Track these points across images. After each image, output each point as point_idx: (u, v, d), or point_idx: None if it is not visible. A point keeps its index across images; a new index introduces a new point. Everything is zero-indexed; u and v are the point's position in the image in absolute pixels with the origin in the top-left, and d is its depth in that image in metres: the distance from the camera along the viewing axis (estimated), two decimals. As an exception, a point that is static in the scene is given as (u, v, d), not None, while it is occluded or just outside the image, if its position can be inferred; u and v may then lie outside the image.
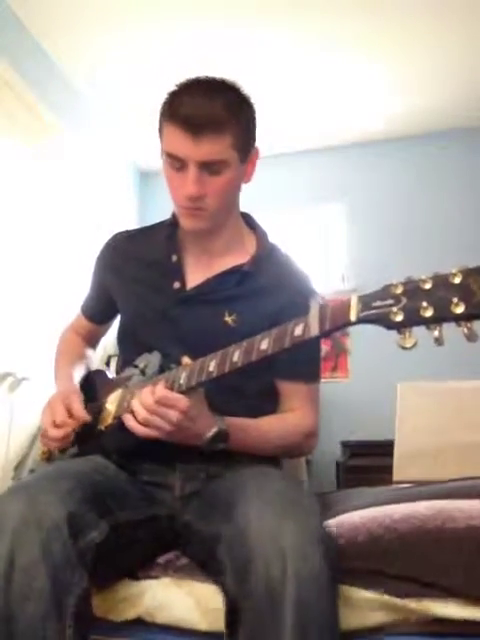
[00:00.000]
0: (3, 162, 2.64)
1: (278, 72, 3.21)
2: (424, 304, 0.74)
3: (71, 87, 3.25)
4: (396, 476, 2.12)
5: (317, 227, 3.93)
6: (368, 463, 2.98)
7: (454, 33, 2.96)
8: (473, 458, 2.05)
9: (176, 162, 1.10)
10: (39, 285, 2.79)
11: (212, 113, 1.07)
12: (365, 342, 3.48)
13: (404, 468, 2.14)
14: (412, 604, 0.93)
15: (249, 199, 2.86)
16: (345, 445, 3.33)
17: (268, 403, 1.22)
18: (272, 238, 1.30)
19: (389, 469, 2.15)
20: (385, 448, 2.31)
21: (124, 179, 3.72)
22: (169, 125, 1.10)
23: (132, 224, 2.99)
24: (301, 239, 3.83)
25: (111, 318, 1.43)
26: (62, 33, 2.91)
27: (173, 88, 1.13)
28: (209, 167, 1.09)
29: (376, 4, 2.77)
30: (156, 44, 2.98)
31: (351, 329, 3.62)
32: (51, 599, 0.82)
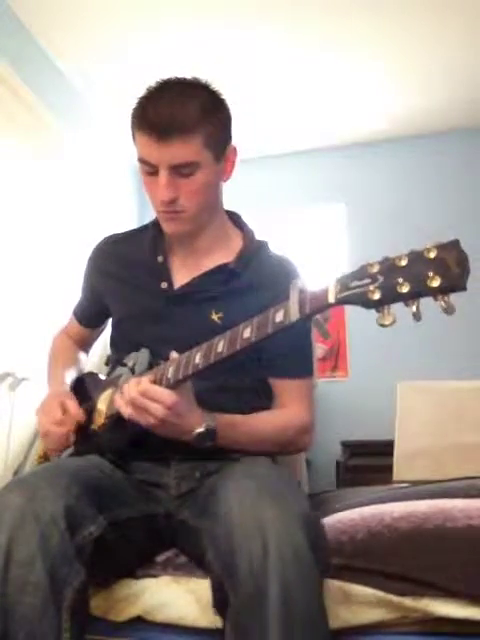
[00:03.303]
0: (3, 162, 2.64)
1: (278, 72, 3.21)
2: (400, 280, 0.75)
3: (71, 87, 3.25)
4: (396, 476, 2.12)
5: (317, 227, 3.93)
6: (368, 463, 2.98)
7: (454, 33, 2.97)
8: (473, 458, 2.05)
9: (148, 168, 1.11)
10: (39, 285, 2.79)
11: (178, 117, 1.06)
12: (365, 341, 3.48)
13: (404, 468, 2.14)
14: (411, 602, 0.93)
15: (249, 199, 2.87)
16: (345, 445, 3.33)
17: (263, 400, 1.23)
18: (261, 236, 1.30)
19: (389, 469, 2.15)
20: (385, 448, 2.31)
21: (124, 179, 3.72)
22: (138, 132, 1.11)
23: (132, 224, 2.98)
24: (301, 239, 3.84)
25: (103, 322, 1.44)
26: (62, 33, 2.91)
27: (142, 93, 1.13)
28: (180, 170, 1.09)
29: (376, 4, 2.77)
30: (156, 44, 2.98)
31: (350, 327, 3.62)
32: (48, 592, 0.83)
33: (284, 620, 0.77)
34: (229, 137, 1.18)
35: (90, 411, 1.20)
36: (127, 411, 1.01)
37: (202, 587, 0.98)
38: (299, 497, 0.92)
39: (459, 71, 3.24)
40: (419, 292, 0.74)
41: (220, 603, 0.85)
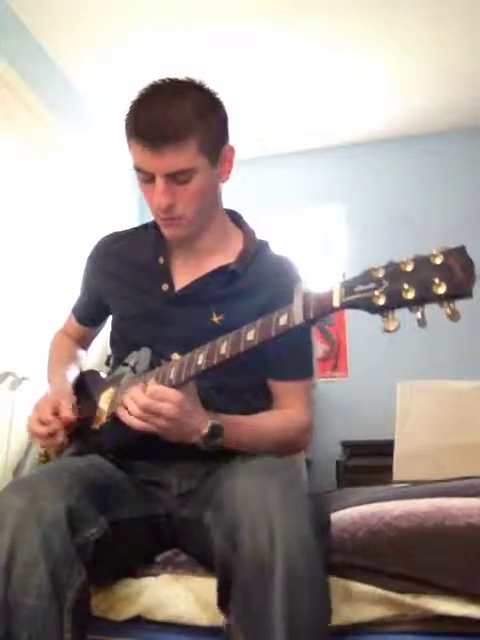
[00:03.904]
0: (3, 162, 2.64)
1: (278, 72, 3.21)
2: (406, 286, 0.75)
3: (71, 87, 3.26)
4: (396, 476, 2.13)
5: (317, 227, 3.93)
6: (368, 463, 2.98)
7: (454, 33, 2.97)
8: (473, 458, 2.05)
9: (144, 175, 1.11)
10: (39, 285, 2.79)
11: (170, 124, 1.04)
12: (365, 341, 3.48)
13: (404, 468, 2.14)
14: (411, 600, 0.93)
15: (249, 199, 2.87)
16: (345, 445, 3.34)
17: (262, 400, 1.22)
18: (262, 236, 1.30)
19: (389, 469, 2.16)
20: (385, 448, 2.32)
21: (124, 179, 3.72)
22: (131, 140, 1.10)
23: (132, 224, 3.00)
24: (301, 239, 3.83)
25: (102, 321, 1.44)
26: (62, 33, 2.91)
27: (134, 97, 1.12)
28: (176, 177, 1.08)
29: (376, 4, 2.77)
30: (156, 44, 2.98)
31: (350, 327, 3.63)
32: (51, 593, 0.83)
33: (288, 591, 0.78)
34: (225, 138, 1.16)
35: (91, 410, 1.20)
36: (139, 424, 1.00)
37: (202, 585, 0.98)
38: (302, 479, 0.93)
39: (459, 71, 3.24)
40: (424, 298, 0.74)
41: (224, 582, 0.85)
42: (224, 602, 0.86)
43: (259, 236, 1.30)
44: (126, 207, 3.77)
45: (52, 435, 1.13)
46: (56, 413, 1.14)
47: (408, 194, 3.78)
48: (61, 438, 1.14)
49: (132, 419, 1.01)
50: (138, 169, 1.11)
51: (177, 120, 1.05)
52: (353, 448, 3.29)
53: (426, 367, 3.28)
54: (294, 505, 0.83)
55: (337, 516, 1.04)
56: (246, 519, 0.82)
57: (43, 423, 1.14)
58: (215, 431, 1.04)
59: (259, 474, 0.88)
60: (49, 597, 0.83)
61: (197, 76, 1.16)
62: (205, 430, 1.03)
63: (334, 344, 3.67)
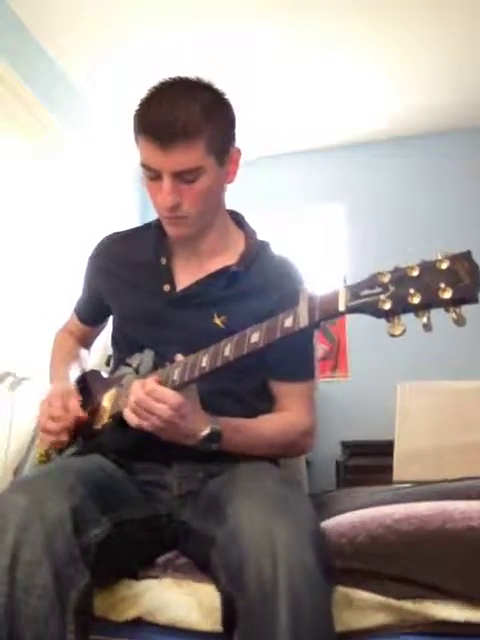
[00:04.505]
0: (3, 162, 2.64)
1: (278, 72, 3.21)
2: (411, 291, 0.75)
3: (71, 87, 3.25)
4: (396, 476, 2.13)
5: (317, 227, 3.93)
6: (368, 463, 2.98)
7: (454, 33, 2.96)
8: (473, 458, 2.05)
9: (151, 173, 1.10)
10: (39, 285, 2.79)
11: (180, 122, 1.04)
12: (365, 341, 3.48)
13: (404, 468, 2.14)
14: (411, 605, 0.93)
15: (249, 199, 2.87)
16: (345, 445, 3.34)
17: (264, 403, 1.22)
18: (262, 236, 1.30)
19: (389, 469, 2.16)
20: (385, 448, 2.32)
21: (124, 178, 3.72)
22: (140, 137, 1.09)
23: (132, 224, 3.00)
24: (301, 239, 3.83)
25: (104, 320, 1.44)
26: (62, 33, 2.90)
27: (143, 95, 1.11)
28: (183, 176, 1.08)
29: (376, 4, 2.77)
30: (156, 44, 2.98)
31: (350, 327, 3.62)
32: (54, 594, 0.83)
33: (293, 636, 0.76)
34: (233, 139, 1.16)
35: (93, 410, 1.20)
36: (134, 420, 1.00)
37: (203, 591, 0.98)
38: (308, 511, 0.91)
39: (459, 70, 3.24)
40: (430, 303, 0.74)
41: (228, 621, 0.84)
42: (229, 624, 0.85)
43: (259, 236, 1.30)
44: (127, 207, 3.77)
45: (61, 432, 1.14)
46: (66, 410, 1.15)
47: (408, 194, 3.78)
48: (66, 437, 1.15)
49: (128, 412, 1.01)
50: (146, 166, 1.10)
51: (186, 119, 1.05)
52: (353, 448, 3.29)
53: (426, 367, 3.28)
54: (301, 544, 0.81)
55: (336, 520, 1.03)
56: (252, 563, 0.80)
57: (54, 419, 1.15)
58: (213, 436, 1.04)
59: (265, 511, 0.85)
60: (52, 598, 0.83)
61: (198, 76, 1.15)
62: (203, 434, 1.03)
63: (334, 342, 3.66)
